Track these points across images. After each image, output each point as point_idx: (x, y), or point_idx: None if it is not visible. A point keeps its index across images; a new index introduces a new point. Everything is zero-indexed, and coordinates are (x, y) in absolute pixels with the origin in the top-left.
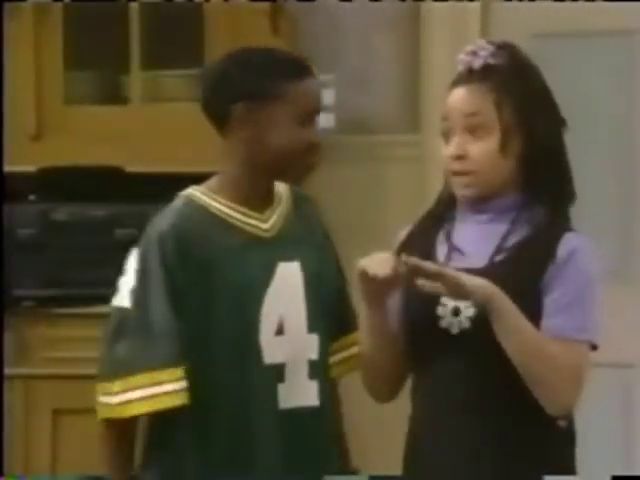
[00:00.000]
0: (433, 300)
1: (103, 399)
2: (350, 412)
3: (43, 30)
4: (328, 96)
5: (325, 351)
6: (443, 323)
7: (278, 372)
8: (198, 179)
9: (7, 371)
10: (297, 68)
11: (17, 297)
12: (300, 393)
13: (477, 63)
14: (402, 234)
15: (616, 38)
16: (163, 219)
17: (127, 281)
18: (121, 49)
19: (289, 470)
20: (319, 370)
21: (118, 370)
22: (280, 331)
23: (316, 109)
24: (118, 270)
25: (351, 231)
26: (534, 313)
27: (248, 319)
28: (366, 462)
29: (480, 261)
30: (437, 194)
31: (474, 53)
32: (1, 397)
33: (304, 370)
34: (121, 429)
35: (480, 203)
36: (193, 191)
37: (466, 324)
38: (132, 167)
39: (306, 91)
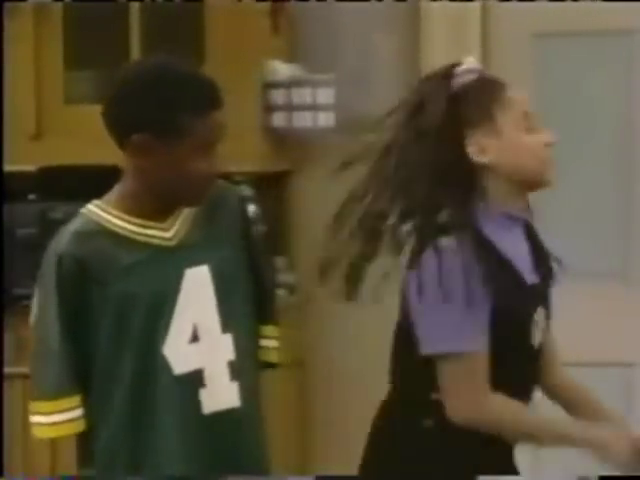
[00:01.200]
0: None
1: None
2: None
3: (43, 30)
4: (327, 95)
5: (244, 350)
6: (533, 339)
7: (197, 378)
8: None
9: (6, 370)
10: (203, 101)
11: (16, 296)
12: (222, 396)
13: None
14: None
15: (616, 38)
16: (61, 240)
17: (33, 310)
18: (121, 49)
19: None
20: (240, 370)
21: (31, 393)
22: (195, 338)
23: (217, 141)
24: None
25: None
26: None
27: (154, 333)
28: None
29: (532, 276)
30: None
31: None
32: (1, 397)
33: (224, 372)
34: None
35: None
36: (92, 207)
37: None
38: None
39: (209, 126)
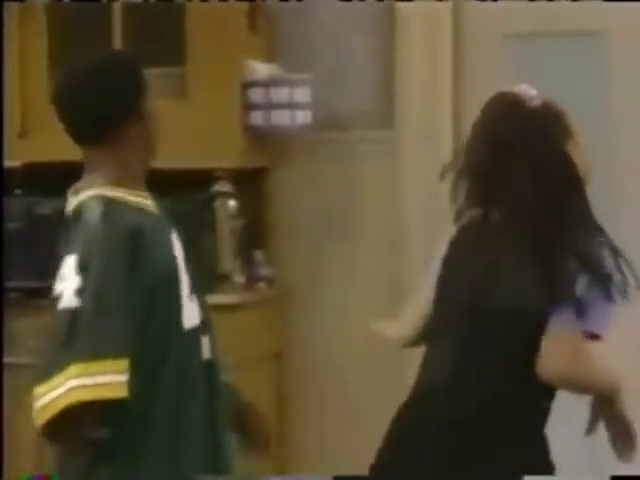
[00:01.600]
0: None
1: (78, 382)
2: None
3: (28, 30)
4: (305, 94)
5: (208, 309)
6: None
7: (200, 329)
8: (178, 172)
9: None
10: (145, 84)
11: (5, 289)
12: (207, 346)
13: None
14: None
15: (586, 38)
16: (100, 222)
17: (69, 285)
18: (104, 48)
19: (214, 419)
20: (208, 326)
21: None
22: (191, 292)
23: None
24: None
25: (326, 223)
26: None
27: (176, 290)
28: None
29: None
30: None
31: None
32: (1, 397)
33: (200, 327)
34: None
35: None
36: (102, 191)
37: None
38: None
39: (151, 101)
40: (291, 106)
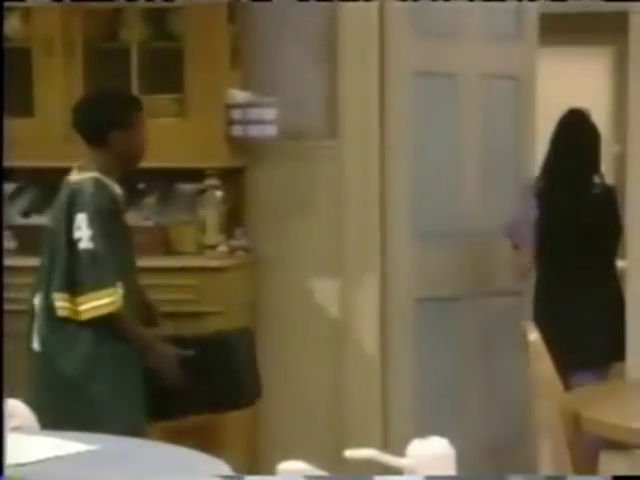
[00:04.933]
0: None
1: (95, 304)
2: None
3: (70, 66)
4: (272, 113)
5: None
6: None
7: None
8: (180, 170)
9: None
10: (139, 104)
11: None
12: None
13: None
14: None
15: (497, 81)
16: (100, 194)
17: (84, 232)
18: (125, 80)
19: None
20: None
21: (97, 286)
22: None
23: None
24: None
25: (289, 207)
26: None
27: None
28: None
29: None
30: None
31: None
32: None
33: None
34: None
35: None
36: (95, 175)
37: None
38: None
39: (142, 118)
40: (262, 122)
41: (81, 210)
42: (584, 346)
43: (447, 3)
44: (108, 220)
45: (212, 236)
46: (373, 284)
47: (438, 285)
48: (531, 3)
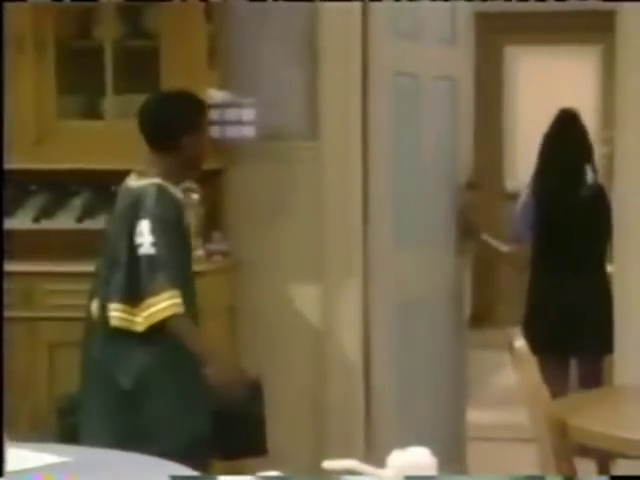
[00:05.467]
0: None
1: (154, 309)
2: None
3: (41, 64)
4: (250, 114)
5: None
6: None
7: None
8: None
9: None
10: (206, 110)
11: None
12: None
13: None
14: None
15: (446, 82)
16: (163, 200)
17: (146, 239)
18: (98, 79)
19: None
20: None
21: (157, 291)
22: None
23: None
24: None
25: (268, 210)
26: None
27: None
28: None
29: None
30: None
31: None
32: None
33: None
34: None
35: None
36: (158, 181)
37: None
38: (105, 166)
39: (207, 123)
40: (240, 123)
41: (144, 217)
42: (577, 338)
43: (411, 3)
44: (170, 227)
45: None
46: (355, 289)
47: (421, 289)
48: (464, 4)
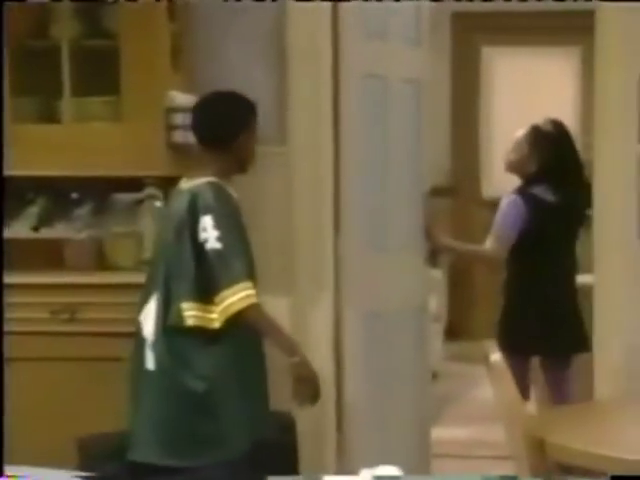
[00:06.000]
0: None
1: (232, 299)
2: None
3: None
4: None
5: None
6: None
7: None
8: (116, 179)
9: None
10: (256, 108)
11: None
12: None
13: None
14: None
15: (409, 85)
16: (221, 196)
17: (210, 234)
18: (55, 80)
19: None
20: None
21: (232, 282)
22: None
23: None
24: None
25: None
26: None
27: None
28: None
29: None
30: None
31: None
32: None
33: None
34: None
35: None
36: (211, 179)
37: None
38: (64, 172)
39: (257, 122)
40: None
41: (205, 213)
42: (552, 336)
43: (380, 3)
44: (232, 222)
45: (151, 249)
46: (326, 301)
47: (394, 299)
48: (425, 5)
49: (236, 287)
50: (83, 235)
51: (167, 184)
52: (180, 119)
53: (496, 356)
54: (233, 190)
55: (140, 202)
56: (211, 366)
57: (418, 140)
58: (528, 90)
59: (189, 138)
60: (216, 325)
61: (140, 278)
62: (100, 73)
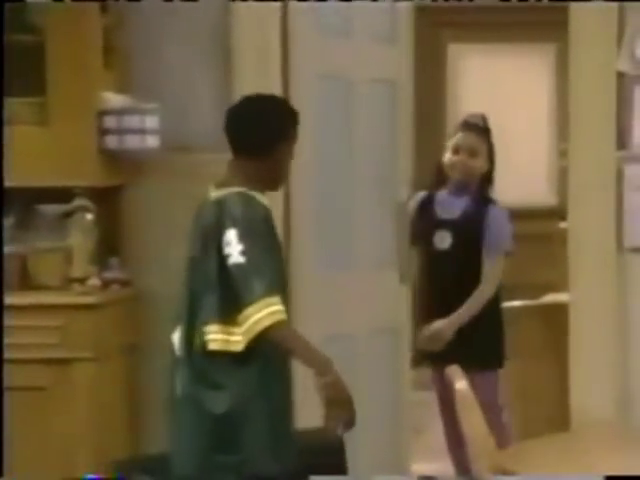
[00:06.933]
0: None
1: (257, 316)
2: None
3: None
4: (153, 121)
5: None
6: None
7: None
8: (41, 189)
9: None
10: (296, 117)
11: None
12: None
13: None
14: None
15: (381, 85)
16: (250, 207)
17: (234, 248)
18: None
19: None
20: None
21: (256, 299)
22: None
23: None
24: None
25: (173, 233)
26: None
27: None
28: None
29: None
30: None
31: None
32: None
33: None
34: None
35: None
36: (241, 189)
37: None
38: None
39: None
40: (142, 131)
41: (230, 226)
42: (477, 352)
43: (341, 3)
44: (260, 234)
45: (81, 267)
46: None
47: (360, 321)
48: (404, 4)
49: (261, 303)
50: (5, 250)
51: (99, 194)
52: (113, 122)
53: (461, 384)
54: (266, 200)
55: (69, 214)
56: (235, 392)
57: (393, 145)
58: (499, 91)
59: (124, 143)
60: (239, 348)
61: (68, 299)
62: (25, 72)
